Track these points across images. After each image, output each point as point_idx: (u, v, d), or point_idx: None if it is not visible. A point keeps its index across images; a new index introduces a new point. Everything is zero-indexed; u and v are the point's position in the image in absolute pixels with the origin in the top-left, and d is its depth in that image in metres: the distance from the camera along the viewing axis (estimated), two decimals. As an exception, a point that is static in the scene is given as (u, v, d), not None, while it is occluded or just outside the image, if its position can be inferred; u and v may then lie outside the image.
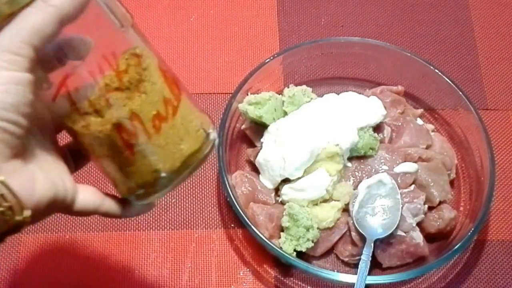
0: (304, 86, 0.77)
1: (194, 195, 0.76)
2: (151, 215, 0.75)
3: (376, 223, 0.69)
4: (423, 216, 0.71)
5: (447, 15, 0.92)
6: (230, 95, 0.76)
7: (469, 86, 0.85)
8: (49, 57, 0.39)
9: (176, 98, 0.43)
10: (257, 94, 0.76)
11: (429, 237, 0.71)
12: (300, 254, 0.69)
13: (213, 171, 0.78)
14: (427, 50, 0.88)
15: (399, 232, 0.69)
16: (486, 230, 0.75)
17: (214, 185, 0.77)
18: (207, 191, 0.77)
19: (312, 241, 0.69)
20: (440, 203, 0.72)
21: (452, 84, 0.77)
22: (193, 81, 0.84)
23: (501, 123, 0.83)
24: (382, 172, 0.72)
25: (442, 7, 0.93)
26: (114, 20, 0.41)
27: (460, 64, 0.88)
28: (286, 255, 0.66)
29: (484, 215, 0.68)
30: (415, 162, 0.73)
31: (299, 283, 0.71)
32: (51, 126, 0.44)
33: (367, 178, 0.72)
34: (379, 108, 0.76)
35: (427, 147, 0.76)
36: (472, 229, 0.67)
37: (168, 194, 0.76)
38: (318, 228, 0.69)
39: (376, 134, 0.74)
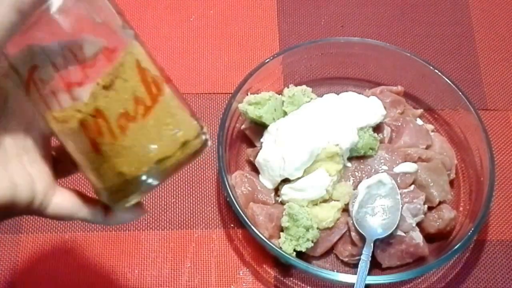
0: (304, 86, 0.77)
1: (194, 195, 0.76)
2: (151, 215, 0.75)
3: (376, 223, 0.69)
4: (423, 216, 0.71)
5: (447, 15, 0.92)
6: (230, 95, 0.76)
7: (468, 86, 0.85)
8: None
9: (151, 98, 0.40)
10: (257, 94, 0.76)
11: (429, 237, 0.71)
12: (299, 254, 0.69)
13: (213, 171, 0.78)
14: (427, 50, 0.88)
15: (399, 232, 0.69)
16: (486, 230, 0.75)
17: (214, 185, 0.77)
18: (207, 191, 0.77)
19: (312, 241, 0.69)
20: (440, 203, 0.72)
21: (452, 84, 0.77)
22: (193, 81, 0.84)
23: (501, 123, 0.83)
24: (382, 172, 0.72)
25: (442, 7, 0.93)
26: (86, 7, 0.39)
27: (459, 64, 0.88)
28: (286, 255, 0.66)
29: (484, 215, 0.68)
30: (415, 162, 0.73)
31: (299, 283, 0.71)
32: (41, 126, 0.43)
33: (367, 178, 0.72)
34: (379, 108, 0.76)
35: (427, 147, 0.76)
36: (472, 229, 0.67)
37: (168, 194, 0.76)
38: (318, 228, 0.69)
39: (376, 134, 0.74)
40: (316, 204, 0.71)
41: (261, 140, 0.76)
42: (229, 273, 0.71)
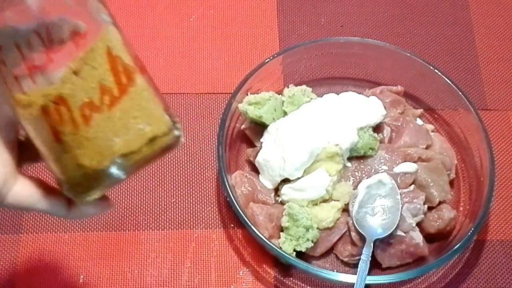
0: (304, 86, 0.77)
1: (194, 195, 0.76)
2: (151, 215, 0.75)
3: (376, 223, 0.69)
4: (422, 216, 0.71)
5: (447, 15, 0.92)
6: (230, 95, 0.76)
7: (468, 86, 0.85)
8: None
9: (120, 89, 0.38)
10: (257, 94, 0.76)
11: (429, 237, 0.71)
12: (299, 254, 0.69)
13: (213, 171, 0.78)
14: (427, 50, 0.88)
15: (399, 232, 0.69)
16: (486, 230, 0.75)
17: (214, 185, 0.77)
18: (207, 191, 0.77)
19: (312, 241, 0.69)
20: (440, 203, 0.72)
21: (452, 84, 0.77)
22: (193, 81, 0.84)
23: (501, 123, 0.83)
24: (382, 172, 0.72)
25: (442, 7, 0.93)
26: None
27: (460, 64, 0.88)
28: (286, 255, 0.66)
29: (484, 215, 0.68)
30: (415, 162, 0.73)
31: (299, 283, 0.71)
32: (7, 111, 0.40)
33: (367, 178, 0.72)
34: (379, 108, 0.76)
35: (427, 147, 0.76)
36: (472, 229, 0.67)
37: (168, 194, 0.76)
38: (317, 228, 0.69)
39: (376, 134, 0.74)
40: (316, 204, 0.71)
41: (261, 140, 0.76)
42: (229, 273, 0.71)
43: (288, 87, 0.77)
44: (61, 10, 0.38)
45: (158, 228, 0.74)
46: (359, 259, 0.67)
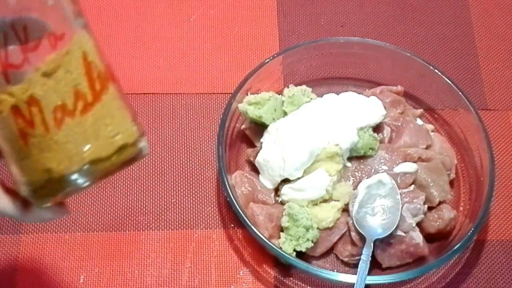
0: (304, 86, 0.77)
1: (194, 195, 0.76)
2: (151, 215, 0.75)
3: (376, 223, 0.69)
4: (422, 216, 0.71)
5: (447, 16, 0.92)
6: (230, 95, 0.76)
7: (469, 86, 0.85)
8: None
9: (94, 95, 0.38)
10: (257, 94, 0.76)
11: (429, 237, 0.71)
12: (299, 254, 0.69)
13: (213, 171, 0.78)
14: (427, 50, 0.88)
15: (399, 232, 0.69)
16: (486, 230, 0.75)
17: (214, 185, 0.77)
18: (207, 191, 0.77)
19: (312, 241, 0.69)
20: (440, 203, 0.72)
21: (452, 84, 0.77)
22: (193, 81, 0.84)
23: (501, 123, 0.83)
24: (382, 172, 0.72)
25: (442, 7, 0.93)
26: None
27: (460, 64, 0.88)
28: (286, 255, 0.66)
29: (484, 215, 0.68)
30: (415, 162, 0.73)
31: (299, 283, 0.71)
32: None
33: (367, 178, 0.72)
34: (379, 108, 0.76)
35: (427, 147, 0.76)
36: (472, 229, 0.67)
37: (168, 194, 0.76)
38: (317, 228, 0.69)
39: (376, 134, 0.74)
40: (316, 204, 0.71)
41: (261, 140, 0.76)
42: (229, 273, 0.71)
43: (288, 87, 0.77)
44: (40, 8, 0.37)
45: (158, 228, 0.74)
46: (359, 259, 0.67)
